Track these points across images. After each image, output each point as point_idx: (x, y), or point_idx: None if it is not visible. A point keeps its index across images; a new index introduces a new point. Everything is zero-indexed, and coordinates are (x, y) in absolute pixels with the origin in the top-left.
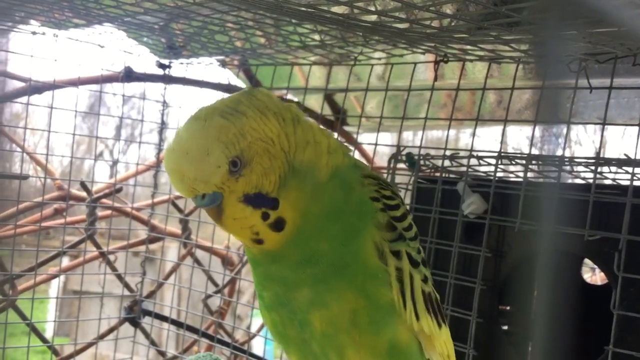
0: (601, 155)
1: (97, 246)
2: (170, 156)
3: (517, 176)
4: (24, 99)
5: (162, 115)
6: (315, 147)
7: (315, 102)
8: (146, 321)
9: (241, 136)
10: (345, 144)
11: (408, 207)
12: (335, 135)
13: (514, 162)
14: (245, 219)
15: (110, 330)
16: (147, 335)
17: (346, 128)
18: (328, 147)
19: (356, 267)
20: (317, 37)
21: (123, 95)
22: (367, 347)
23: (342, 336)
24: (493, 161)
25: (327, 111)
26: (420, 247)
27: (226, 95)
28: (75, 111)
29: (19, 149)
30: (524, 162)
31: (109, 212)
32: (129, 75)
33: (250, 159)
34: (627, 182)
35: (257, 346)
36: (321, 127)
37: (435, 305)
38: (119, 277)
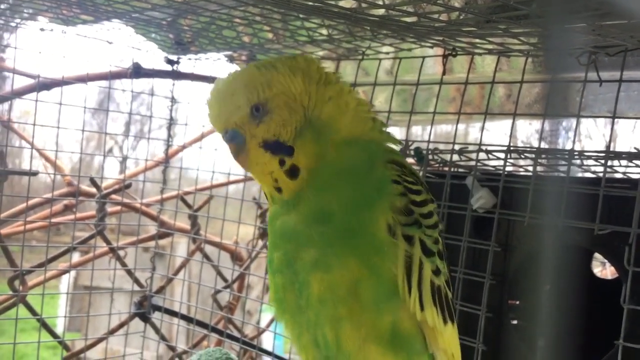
0: (611, 149)
1: (107, 242)
2: (211, 92)
3: (527, 170)
4: (32, 96)
5: (171, 111)
6: (338, 104)
7: None
8: (156, 316)
9: (267, 86)
10: None
11: None
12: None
13: (523, 156)
14: (265, 165)
15: (121, 326)
16: (157, 330)
17: None
18: (356, 109)
19: (364, 237)
20: (324, 31)
21: (132, 92)
22: (366, 325)
23: (340, 307)
24: (502, 155)
25: None
26: (439, 239)
27: None
28: (84, 107)
29: (28, 146)
30: (533, 156)
31: (118, 207)
32: (137, 72)
33: (272, 109)
34: (638, 176)
35: (267, 341)
36: (359, 96)
37: (444, 300)
38: (129, 273)
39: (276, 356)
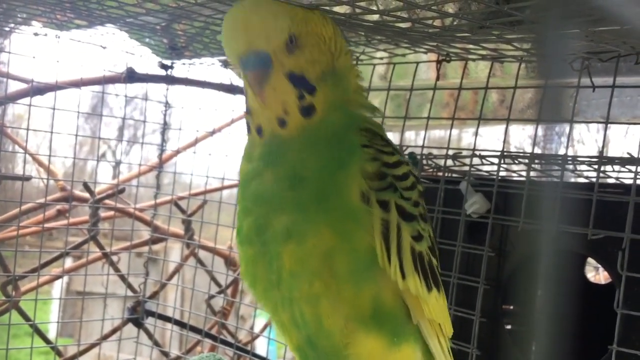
0: (604, 154)
1: (100, 247)
2: (240, 9)
3: (520, 175)
4: (26, 100)
5: (165, 116)
6: (348, 58)
7: None
8: (149, 322)
9: (304, 21)
10: None
11: None
12: None
13: (516, 162)
14: (282, 93)
15: (114, 331)
16: (150, 335)
17: None
18: (354, 69)
19: (336, 204)
20: None
21: (125, 96)
22: (346, 302)
23: (315, 282)
24: (496, 160)
25: None
26: (420, 201)
27: (228, 96)
28: (78, 112)
29: (21, 150)
30: (526, 161)
31: (111, 213)
32: (131, 76)
33: (304, 45)
34: (631, 181)
35: (261, 346)
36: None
37: (427, 267)
38: (122, 278)
39: None
